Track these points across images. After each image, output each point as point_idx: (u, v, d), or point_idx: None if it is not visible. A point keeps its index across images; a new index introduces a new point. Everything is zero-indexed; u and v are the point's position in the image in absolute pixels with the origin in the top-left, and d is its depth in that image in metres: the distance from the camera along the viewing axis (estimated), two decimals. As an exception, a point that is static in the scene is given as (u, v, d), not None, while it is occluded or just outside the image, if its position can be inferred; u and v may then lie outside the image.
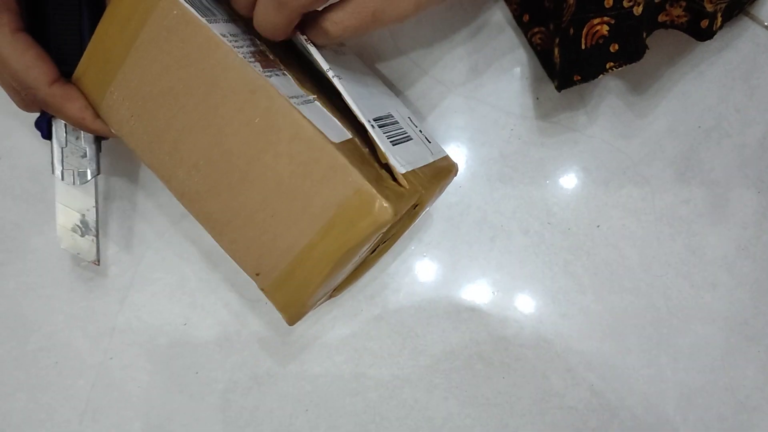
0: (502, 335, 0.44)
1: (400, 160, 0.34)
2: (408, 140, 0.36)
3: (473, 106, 0.46)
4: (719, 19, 0.42)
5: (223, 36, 0.33)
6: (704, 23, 0.41)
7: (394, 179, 0.34)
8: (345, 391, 0.43)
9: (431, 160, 0.37)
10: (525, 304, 0.45)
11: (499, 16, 0.48)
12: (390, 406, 0.43)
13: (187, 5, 0.33)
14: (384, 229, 0.32)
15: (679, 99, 0.46)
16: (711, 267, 0.45)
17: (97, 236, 0.40)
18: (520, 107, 0.46)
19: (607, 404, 0.43)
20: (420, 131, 0.38)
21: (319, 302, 0.37)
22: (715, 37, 0.42)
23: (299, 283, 0.34)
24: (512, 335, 0.44)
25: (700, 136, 0.46)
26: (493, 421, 0.43)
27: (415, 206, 0.35)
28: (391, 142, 0.35)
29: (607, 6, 0.40)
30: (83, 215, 0.39)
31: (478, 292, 0.45)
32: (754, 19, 0.47)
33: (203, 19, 0.33)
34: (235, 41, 0.33)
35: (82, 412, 0.41)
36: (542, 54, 0.46)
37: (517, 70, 0.47)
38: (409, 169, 0.34)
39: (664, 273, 0.45)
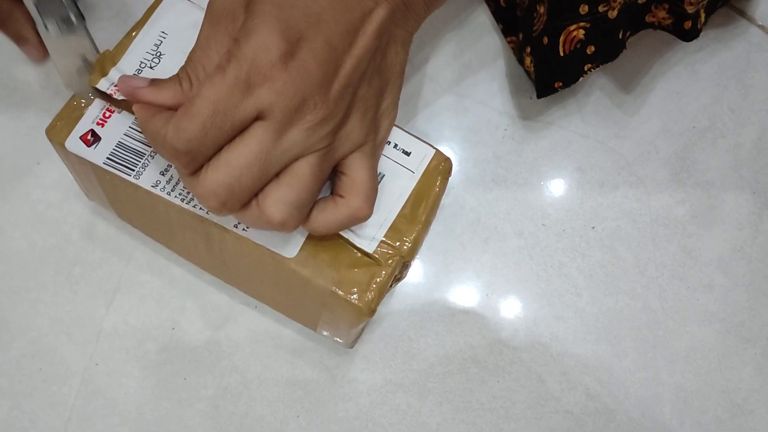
0: (496, 338, 0.43)
1: (367, 231, 0.33)
2: (380, 182, 0.34)
3: (466, 106, 0.46)
4: (702, 16, 0.42)
5: (155, 185, 0.33)
6: (687, 24, 0.42)
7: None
8: (337, 396, 0.42)
9: (412, 187, 0.34)
10: (519, 306, 0.44)
11: (491, 16, 0.48)
12: (383, 411, 0.42)
13: (112, 170, 0.33)
14: (371, 316, 0.33)
15: (673, 99, 0.46)
16: (707, 268, 0.45)
17: None
18: (514, 107, 0.46)
19: (603, 408, 0.43)
20: (395, 146, 0.35)
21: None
22: (701, 34, 0.42)
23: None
24: (507, 338, 0.44)
25: (695, 136, 0.46)
26: (488, 426, 0.42)
27: (405, 263, 0.34)
28: None
29: (582, 12, 0.40)
30: (83, 57, 0.36)
31: (471, 294, 0.44)
32: (747, 18, 0.46)
33: (131, 178, 0.33)
34: (168, 182, 0.33)
35: (67, 419, 0.41)
36: (520, 61, 0.46)
37: (511, 69, 0.47)
38: (381, 238, 0.33)
39: (659, 274, 0.45)
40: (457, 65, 0.46)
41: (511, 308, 0.44)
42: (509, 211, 0.45)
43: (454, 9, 0.47)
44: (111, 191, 0.37)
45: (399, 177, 0.34)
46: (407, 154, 0.35)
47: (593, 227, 0.45)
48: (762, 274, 0.45)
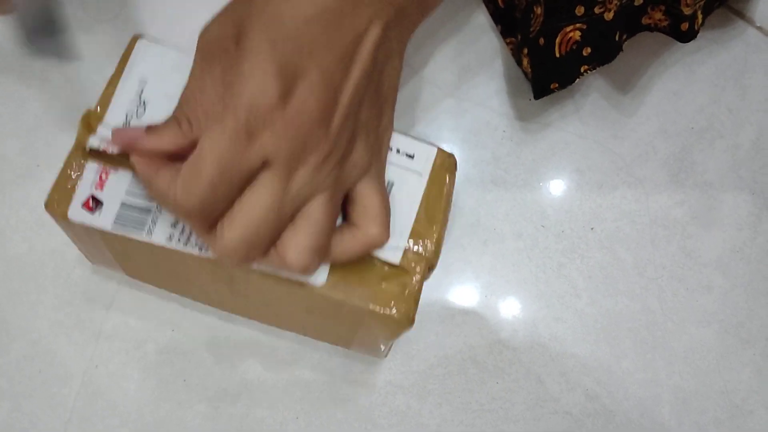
0: (496, 339, 0.43)
1: (390, 242, 0.32)
2: (390, 191, 0.34)
3: (465, 108, 0.46)
4: (699, 17, 0.42)
5: (170, 238, 0.32)
6: (684, 26, 0.42)
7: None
8: (337, 398, 0.42)
9: (423, 189, 0.34)
10: (519, 307, 0.44)
11: (490, 17, 0.48)
12: (382, 412, 0.42)
13: (122, 232, 0.32)
14: (411, 325, 0.33)
15: (670, 99, 0.46)
16: (706, 269, 0.45)
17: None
18: (513, 109, 0.46)
19: (602, 409, 0.43)
20: (398, 151, 0.35)
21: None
22: (698, 35, 0.42)
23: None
24: (506, 339, 0.44)
25: (693, 137, 0.46)
26: (487, 427, 0.42)
27: (430, 268, 0.34)
28: None
29: (578, 14, 0.40)
30: (49, 15, 0.35)
31: (471, 295, 0.44)
32: (746, 19, 0.47)
33: (143, 237, 0.32)
34: (181, 233, 0.32)
35: (67, 421, 0.41)
36: (518, 62, 0.47)
37: (509, 71, 0.47)
38: (405, 245, 0.33)
39: (658, 275, 0.45)
40: (456, 67, 0.46)
41: (510, 309, 0.44)
42: (508, 212, 0.45)
43: (452, 10, 0.47)
44: (120, 252, 0.36)
45: (408, 181, 0.34)
46: (411, 157, 0.34)
47: (592, 228, 0.45)
48: (761, 275, 0.45)
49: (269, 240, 0.28)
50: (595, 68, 0.42)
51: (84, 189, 0.32)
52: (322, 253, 0.29)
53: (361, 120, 0.29)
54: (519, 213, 0.45)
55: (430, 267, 0.34)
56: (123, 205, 0.32)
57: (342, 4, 0.27)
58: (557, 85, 0.42)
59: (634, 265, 0.45)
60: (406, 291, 0.33)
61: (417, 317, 0.43)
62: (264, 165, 0.27)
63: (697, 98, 0.46)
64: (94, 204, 0.32)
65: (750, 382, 0.44)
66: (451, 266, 0.45)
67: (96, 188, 0.32)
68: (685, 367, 0.44)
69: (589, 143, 0.46)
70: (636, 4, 0.42)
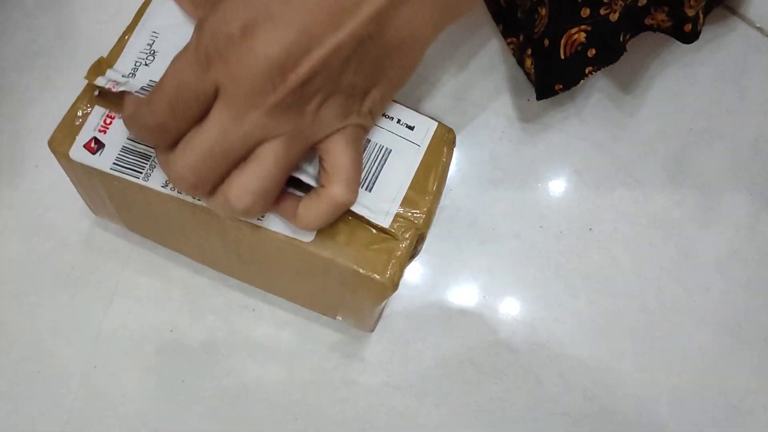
0: (493, 340, 0.43)
1: (381, 206, 0.33)
2: (387, 157, 0.34)
3: (463, 107, 0.46)
4: (701, 18, 0.42)
5: (165, 185, 0.33)
6: (687, 27, 0.42)
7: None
8: (334, 399, 0.42)
9: (420, 159, 0.35)
10: (517, 308, 0.44)
11: (489, 17, 0.48)
12: (380, 413, 0.42)
13: (120, 174, 0.33)
14: (394, 291, 0.33)
15: (670, 101, 0.46)
16: (703, 270, 0.45)
17: None
18: (511, 109, 0.46)
19: (601, 409, 0.43)
20: (398, 121, 0.35)
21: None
22: (700, 36, 0.42)
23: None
24: (504, 340, 0.44)
25: (692, 137, 0.46)
26: (485, 428, 0.42)
27: (420, 237, 0.34)
28: (364, 185, 0.33)
29: (583, 16, 0.40)
30: None
31: (469, 296, 0.44)
32: (744, 19, 0.46)
33: (140, 181, 0.33)
34: None
35: (66, 421, 0.41)
36: (520, 63, 0.46)
37: (508, 71, 0.47)
38: (396, 210, 0.33)
39: (656, 276, 0.45)
40: (455, 67, 0.46)
41: (508, 310, 0.44)
42: (506, 212, 0.45)
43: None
44: (120, 200, 0.36)
45: (406, 151, 0.35)
46: (411, 128, 0.35)
47: (590, 229, 0.45)
48: (759, 276, 0.45)
49: (216, 172, 0.28)
50: (599, 69, 0.41)
51: (88, 131, 0.33)
52: (265, 198, 0.29)
53: (342, 82, 0.29)
54: (517, 213, 0.45)
55: (420, 237, 0.34)
56: (124, 148, 0.33)
57: None
58: (562, 86, 0.42)
59: (632, 265, 0.45)
60: (393, 256, 0.33)
61: (414, 318, 0.44)
62: (218, 96, 0.27)
63: (698, 99, 0.46)
64: (96, 145, 0.33)
65: (748, 382, 0.44)
66: (448, 267, 0.45)
67: (99, 131, 0.33)
68: (683, 367, 0.44)
69: (589, 144, 0.46)
70: (640, 4, 0.42)
